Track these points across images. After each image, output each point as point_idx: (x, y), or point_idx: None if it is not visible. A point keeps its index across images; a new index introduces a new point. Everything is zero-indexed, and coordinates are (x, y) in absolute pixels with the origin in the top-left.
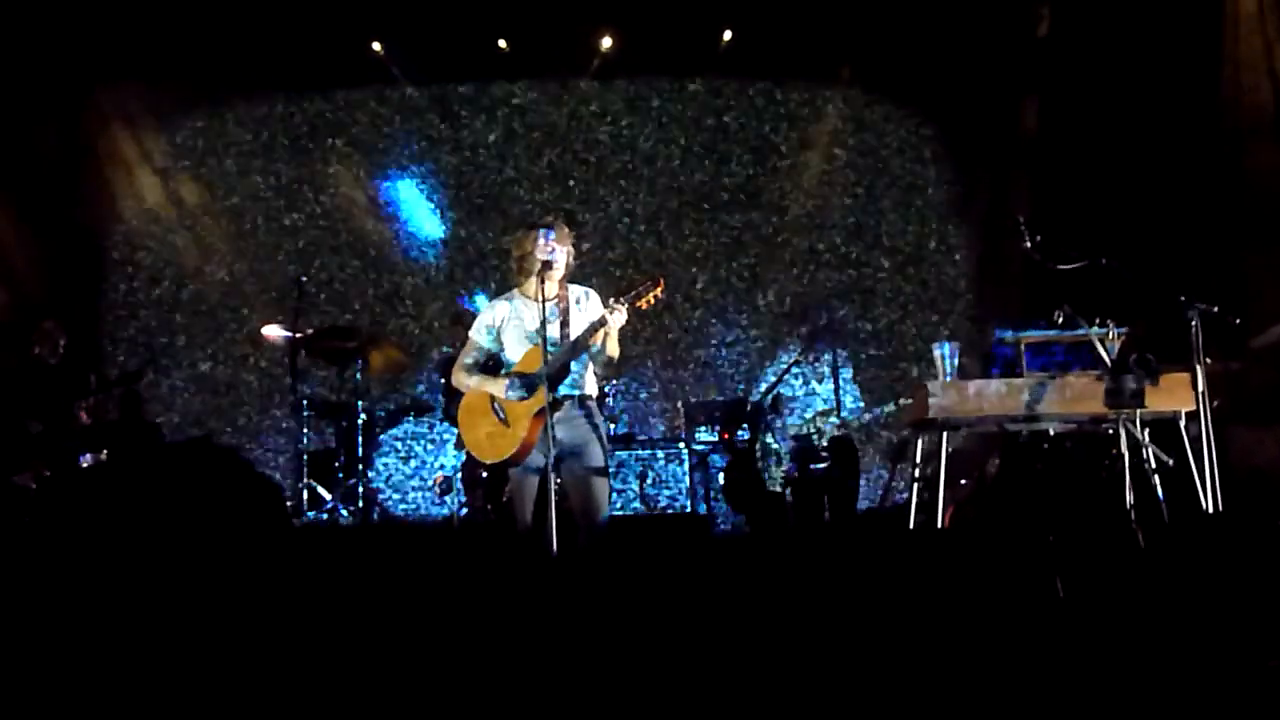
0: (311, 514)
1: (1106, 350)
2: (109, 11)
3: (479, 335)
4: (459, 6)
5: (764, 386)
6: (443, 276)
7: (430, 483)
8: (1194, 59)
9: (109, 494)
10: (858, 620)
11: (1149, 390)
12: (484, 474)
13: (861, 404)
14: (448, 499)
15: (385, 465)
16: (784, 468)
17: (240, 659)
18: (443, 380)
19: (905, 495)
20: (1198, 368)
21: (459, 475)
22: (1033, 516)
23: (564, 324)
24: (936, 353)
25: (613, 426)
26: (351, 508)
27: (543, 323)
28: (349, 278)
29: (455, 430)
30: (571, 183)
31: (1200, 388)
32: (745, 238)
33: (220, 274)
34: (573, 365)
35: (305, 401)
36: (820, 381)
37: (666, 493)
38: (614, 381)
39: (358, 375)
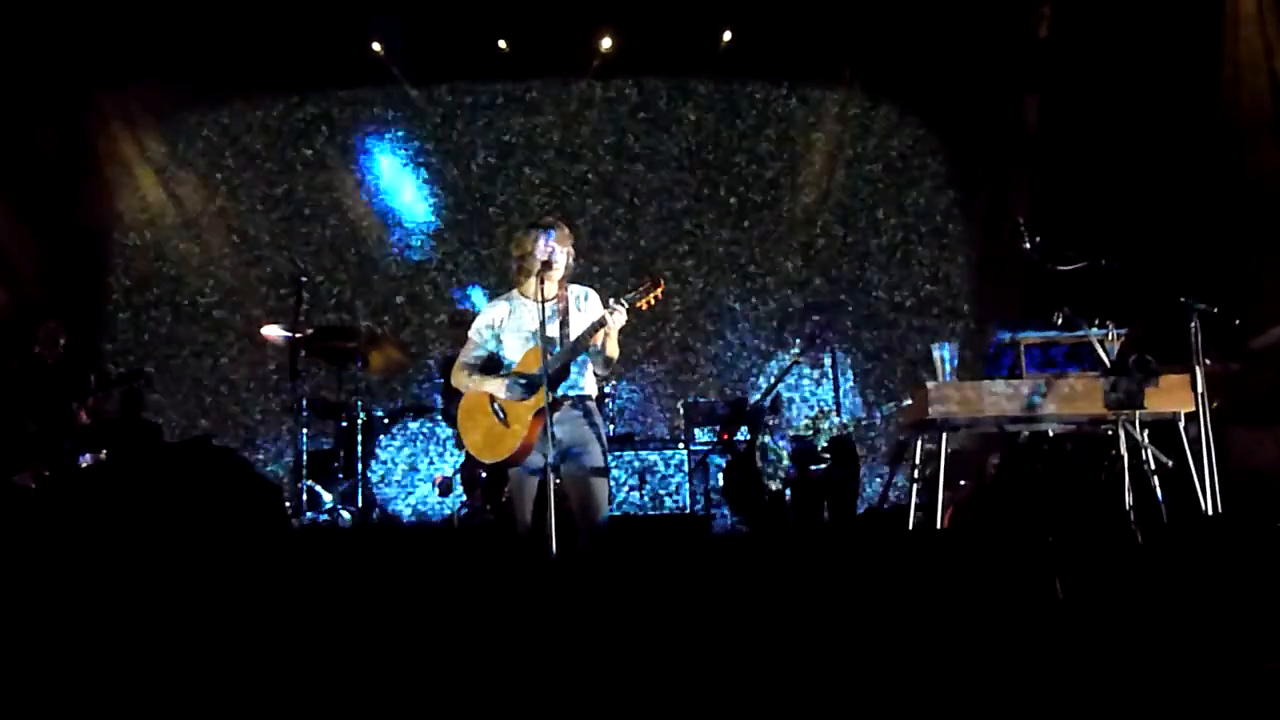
0: (311, 514)
1: (1106, 351)
2: (109, 12)
3: (478, 335)
4: (459, 7)
5: (764, 387)
6: (442, 277)
7: (430, 483)
8: (1194, 59)
9: (108, 494)
10: (857, 621)
11: (1148, 391)
12: (483, 474)
13: (861, 405)
14: (447, 499)
15: (385, 465)
16: (783, 468)
17: (240, 659)
18: (442, 380)
19: (905, 496)
20: (1197, 369)
21: (459, 475)
22: (1032, 517)
23: (564, 324)
24: (936, 353)
25: (612, 427)
26: (351, 508)
27: (542, 323)
28: (349, 278)
29: (455, 430)
30: (572, 183)
31: (1200, 389)
32: (745, 238)
33: (220, 274)
34: (573, 365)
35: (305, 401)
36: (820, 382)
37: (666, 493)
38: (614, 382)
39: (357, 375)
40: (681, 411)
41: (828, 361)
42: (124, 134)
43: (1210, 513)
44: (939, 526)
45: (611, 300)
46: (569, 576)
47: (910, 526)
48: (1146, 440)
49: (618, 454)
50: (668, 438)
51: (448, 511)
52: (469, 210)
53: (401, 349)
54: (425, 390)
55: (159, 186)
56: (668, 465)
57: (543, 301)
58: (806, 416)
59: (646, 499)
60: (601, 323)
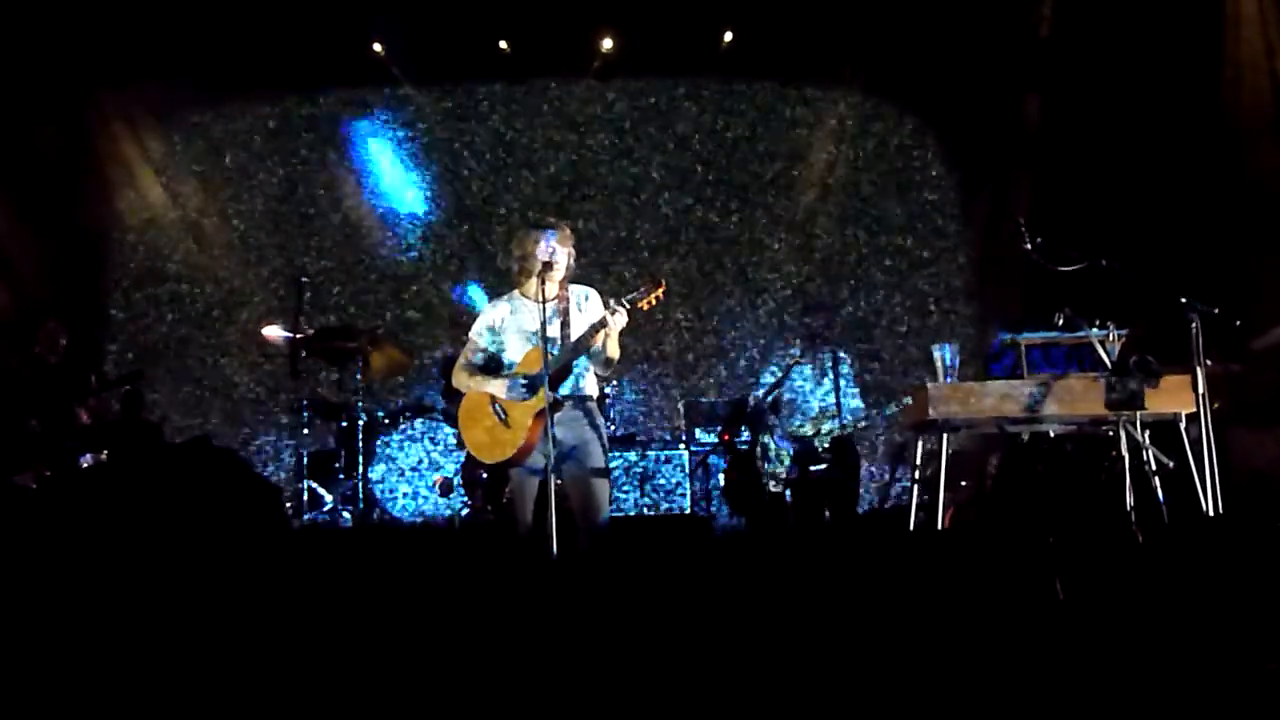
0: (312, 515)
1: (1107, 352)
2: (110, 12)
3: (479, 336)
4: (460, 7)
5: (764, 388)
6: (442, 277)
7: (431, 483)
8: (1195, 59)
9: (109, 494)
10: (858, 621)
11: (1149, 392)
12: (484, 475)
13: (862, 405)
14: (448, 500)
15: (385, 466)
16: (784, 469)
17: (241, 659)
18: (443, 381)
19: (906, 497)
20: (1198, 369)
21: (459, 476)
22: (1033, 518)
23: (564, 324)
24: (937, 354)
25: (613, 427)
26: (351, 508)
27: (543, 324)
28: (350, 278)
29: (456, 431)
30: (573, 183)
31: (1201, 389)
32: (746, 239)
33: (221, 274)
34: (574, 366)
35: (305, 402)
36: (820, 383)
37: (666, 494)
38: (614, 382)
39: (358, 375)
40: (682, 412)
41: (828, 362)
42: (124, 134)
43: (1211, 513)
44: (940, 527)
45: (612, 301)
46: (570, 577)
47: (911, 527)
48: (1147, 441)
49: (618, 455)
50: (668, 438)
51: (448, 512)
52: (470, 210)
53: (402, 349)
54: (426, 390)
55: (159, 186)
56: (668, 466)
57: (544, 302)
58: (807, 417)
59: (647, 499)
60: (602, 323)
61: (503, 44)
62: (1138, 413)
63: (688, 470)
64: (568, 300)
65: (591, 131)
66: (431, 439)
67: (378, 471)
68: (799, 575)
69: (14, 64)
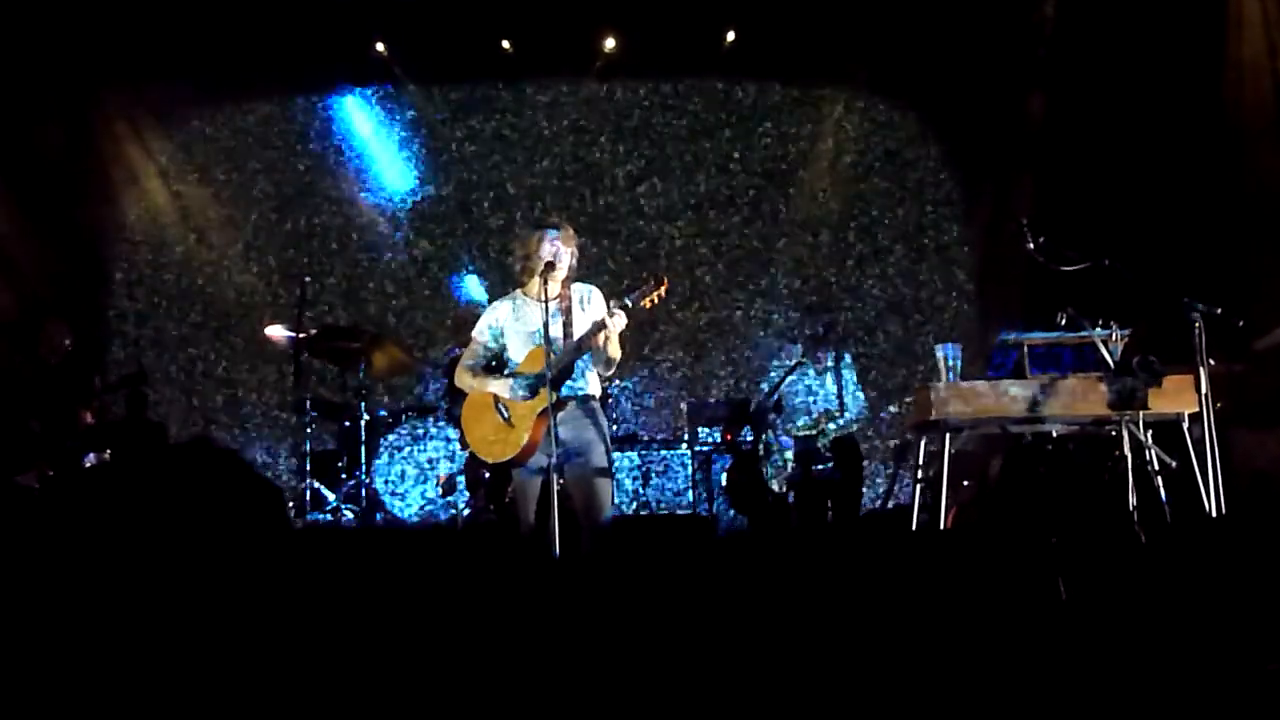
0: (314, 515)
1: (1109, 352)
2: (113, 12)
3: (482, 336)
4: (462, 7)
5: (767, 388)
6: (444, 276)
7: (434, 483)
8: (1197, 60)
9: (112, 494)
10: (861, 621)
11: (1152, 392)
12: (487, 474)
13: (865, 405)
14: (451, 499)
15: (388, 466)
16: (787, 469)
17: (242, 658)
18: (446, 381)
19: (908, 497)
20: (1201, 369)
21: (462, 475)
22: (1035, 518)
23: (567, 324)
24: (939, 354)
25: (615, 427)
26: (354, 508)
27: (545, 323)
28: (352, 278)
29: (459, 431)
30: (574, 183)
31: (1203, 390)
32: (748, 239)
33: (224, 274)
34: (576, 365)
35: (308, 402)
36: (823, 383)
37: (669, 494)
38: (617, 382)
39: (361, 376)
40: (685, 412)
41: (831, 362)
42: (127, 134)
43: (1214, 514)
44: (942, 527)
45: (611, 303)
46: (572, 577)
47: (914, 527)
48: (1150, 441)
49: (621, 454)
50: (671, 438)
51: (451, 512)
52: (471, 210)
53: (405, 349)
54: (429, 391)
55: (163, 186)
56: (671, 466)
57: (546, 301)
58: (810, 417)
59: (649, 499)
60: (601, 325)
61: (505, 44)
62: (1140, 413)
63: (690, 470)
64: (570, 299)
65: (593, 132)
66: (434, 439)
67: (380, 471)
68: (801, 575)
69: (16, 64)
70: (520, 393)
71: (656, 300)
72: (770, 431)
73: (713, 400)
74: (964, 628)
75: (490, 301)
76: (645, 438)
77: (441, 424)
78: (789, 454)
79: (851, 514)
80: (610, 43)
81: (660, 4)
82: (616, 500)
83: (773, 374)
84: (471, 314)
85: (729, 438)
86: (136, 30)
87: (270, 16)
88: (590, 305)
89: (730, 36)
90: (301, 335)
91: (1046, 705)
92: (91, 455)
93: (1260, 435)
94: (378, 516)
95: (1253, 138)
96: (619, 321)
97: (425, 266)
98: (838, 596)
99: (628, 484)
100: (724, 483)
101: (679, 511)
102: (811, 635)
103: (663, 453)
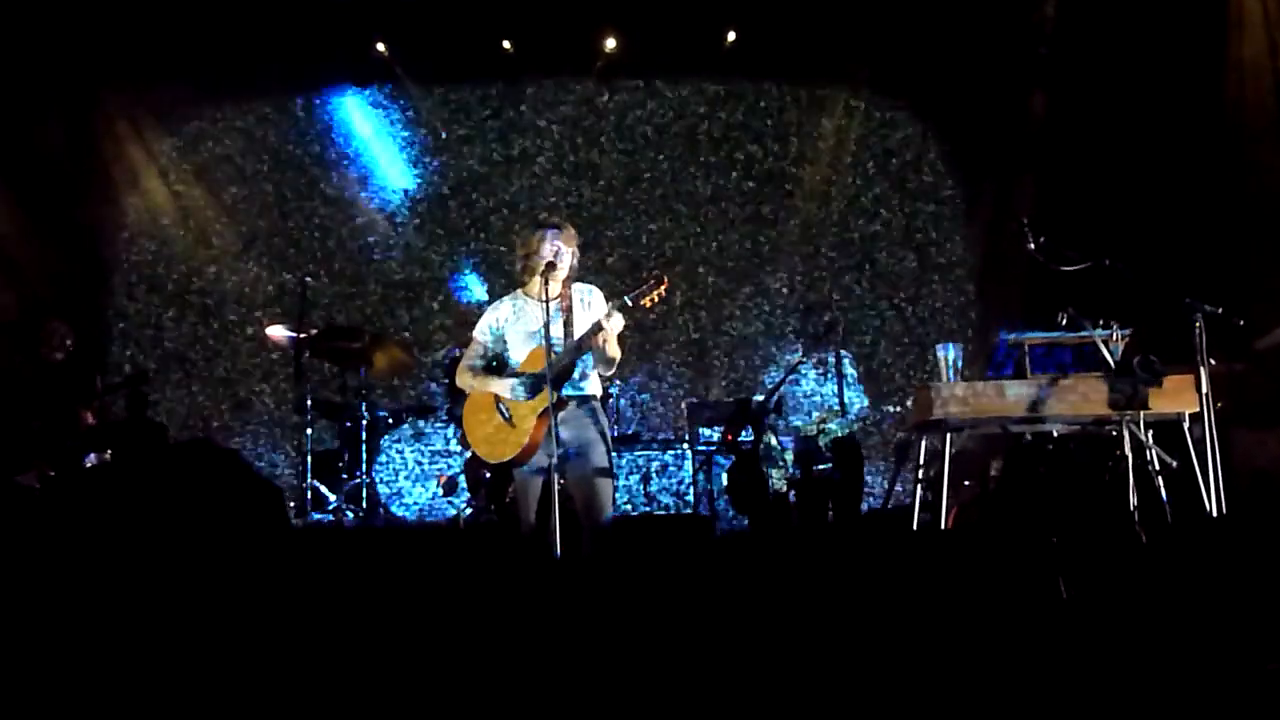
0: (316, 515)
1: (1110, 352)
2: (114, 12)
3: (483, 335)
4: (463, 8)
5: (768, 387)
6: (445, 276)
7: (435, 483)
8: (1198, 60)
9: (113, 494)
10: (862, 621)
11: (1152, 392)
12: (487, 474)
13: (865, 405)
14: (452, 499)
15: (389, 466)
16: (787, 468)
17: (243, 657)
18: (447, 381)
19: (909, 497)
20: (1201, 369)
21: (463, 475)
22: (1036, 518)
23: (567, 324)
24: (940, 354)
25: (616, 427)
26: (355, 508)
27: (546, 323)
28: (353, 278)
29: (460, 431)
30: (576, 183)
31: (1204, 389)
32: (748, 239)
33: (225, 274)
34: (577, 365)
35: (309, 402)
36: (824, 383)
37: (670, 494)
38: (618, 382)
39: (362, 376)
40: (686, 411)
41: (832, 362)
42: (128, 134)
43: (1214, 513)
44: (943, 527)
45: (609, 304)
46: (573, 577)
47: (914, 527)
48: (1151, 441)
49: (622, 453)
50: (672, 438)
51: (452, 512)
52: (473, 210)
53: (405, 349)
54: (430, 390)
55: (163, 186)
56: (672, 465)
57: (547, 301)
58: (810, 417)
59: (650, 499)
60: (598, 327)
61: (506, 44)
62: (1141, 412)
63: (691, 470)
64: (570, 299)
65: (595, 131)
66: (435, 438)
67: (381, 471)
68: (802, 575)
69: (17, 64)
70: (521, 393)
71: (657, 299)
72: (771, 431)
73: (713, 400)
74: (965, 627)
75: (491, 300)
76: (646, 437)
77: (443, 424)
78: (790, 454)
79: (852, 514)
80: (611, 43)
81: (661, 4)
82: (617, 500)
83: (774, 374)
84: (472, 314)
85: (730, 437)
86: (137, 30)
87: (271, 17)
88: (591, 305)
89: (731, 37)
90: (302, 335)
91: (1048, 704)
92: (92, 455)
93: (1261, 435)
94: (379, 516)
95: (1253, 137)
96: (617, 323)
97: (426, 266)
98: (839, 596)
99: (628, 484)
100: (725, 483)
101: (679, 512)
102: (813, 635)
103: (663, 453)
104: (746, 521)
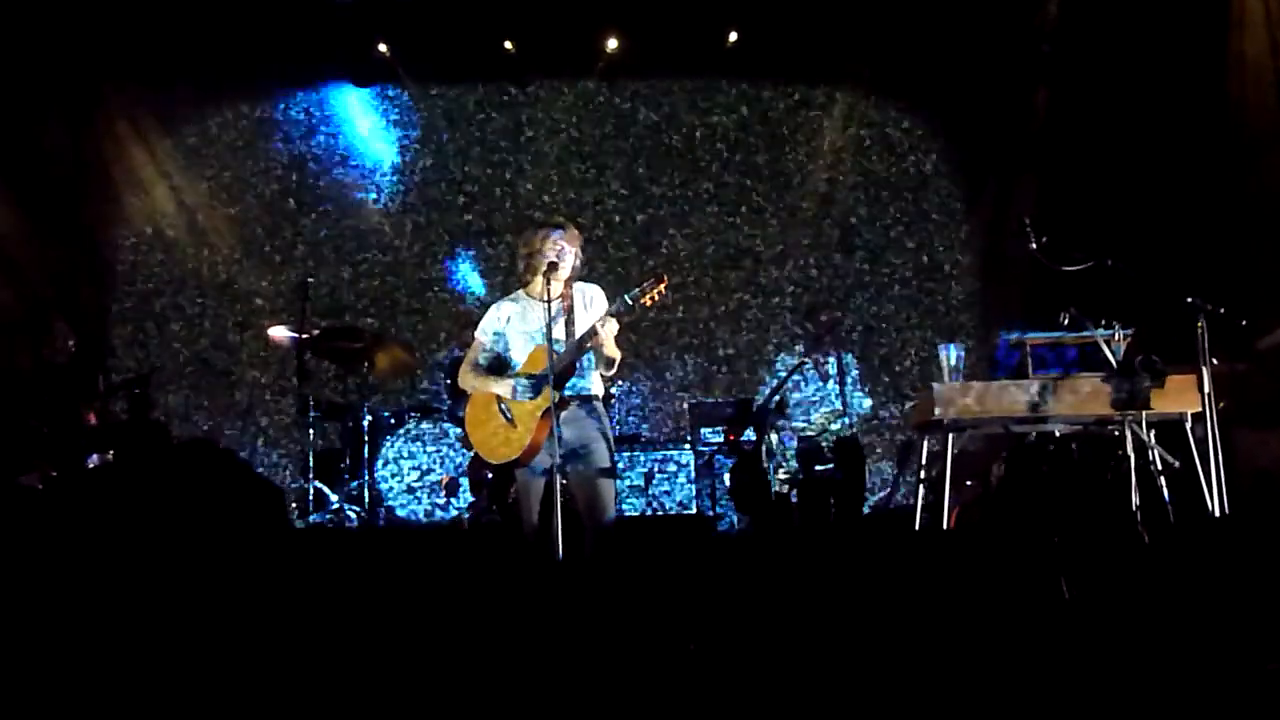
0: (317, 515)
1: (1112, 351)
2: (116, 13)
3: (485, 336)
4: (464, 8)
5: (770, 388)
6: (447, 274)
7: (437, 484)
8: (1200, 59)
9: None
10: (864, 621)
11: (1155, 392)
12: (489, 475)
13: (867, 405)
14: (454, 500)
15: (391, 466)
16: (789, 469)
17: (244, 659)
18: (449, 381)
19: (911, 497)
20: (1204, 369)
21: (465, 476)
22: (1038, 518)
23: (569, 323)
24: (942, 354)
25: (618, 427)
26: (357, 509)
27: (548, 323)
28: (355, 278)
29: (462, 431)
30: (576, 183)
31: (1206, 389)
32: (750, 238)
33: (227, 274)
34: (579, 365)
35: (311, 402)
36: (826, 383)
37: (672, 494)
38: (620, 382)
39: (364, 376)
40: (687, 412)
41: (834, 362)
42: (129, 134)
43: (1216, 513)
44: (945, 527)
45: (605, 310)
46: (575, 577)
47: (916, 527)
48: (1153, 441)
49: (624, 454)
50: (674, 438)
51: (454, 512)
52: (474, 210)
53: (407, 350)
54: (432, 391)
55: (165, 186)
56: (674, 466)
57: (548, 301)
58: (812, 417)
59: (652, 499)
60: (593, 332)
61: (507, 44)
62: (1143, 412)
63: (693, 470)
64: (572, 299)
65: (596, 131)
66: (437, 439)
67: (383, 472)
68: (804, 575)
69: (19, 64)
70: (523, 393)
71: (657, 297)
72: (773, 431)
73: (715, 400)
74: (967, 627)
75: (487, 290)
76: (648, 438)
77: (444, 424)
78: (791, 454)
79: (854, 514)
80: (613, 43)
81: (663, 5)
82: (619, 500)
83: (775, 374)
84: (473, 314)
85: (731, 438)
86: (139, 31)
87: (272, 17)
88: (593, 304)
89: (733, 37)
90: (304, 336)
91: (1050, 703)
92: (95, 456)
93: (1263, 435)
94: (380, 517)
95: (1255, 136)
96: (611, 328)
97: (427, 266)
98: (841, 596)
99: (630, 484)
100: (727, 483)
101: (682, 512)
102: (815, 634)
103: (665, 453)
104: (749, 522)
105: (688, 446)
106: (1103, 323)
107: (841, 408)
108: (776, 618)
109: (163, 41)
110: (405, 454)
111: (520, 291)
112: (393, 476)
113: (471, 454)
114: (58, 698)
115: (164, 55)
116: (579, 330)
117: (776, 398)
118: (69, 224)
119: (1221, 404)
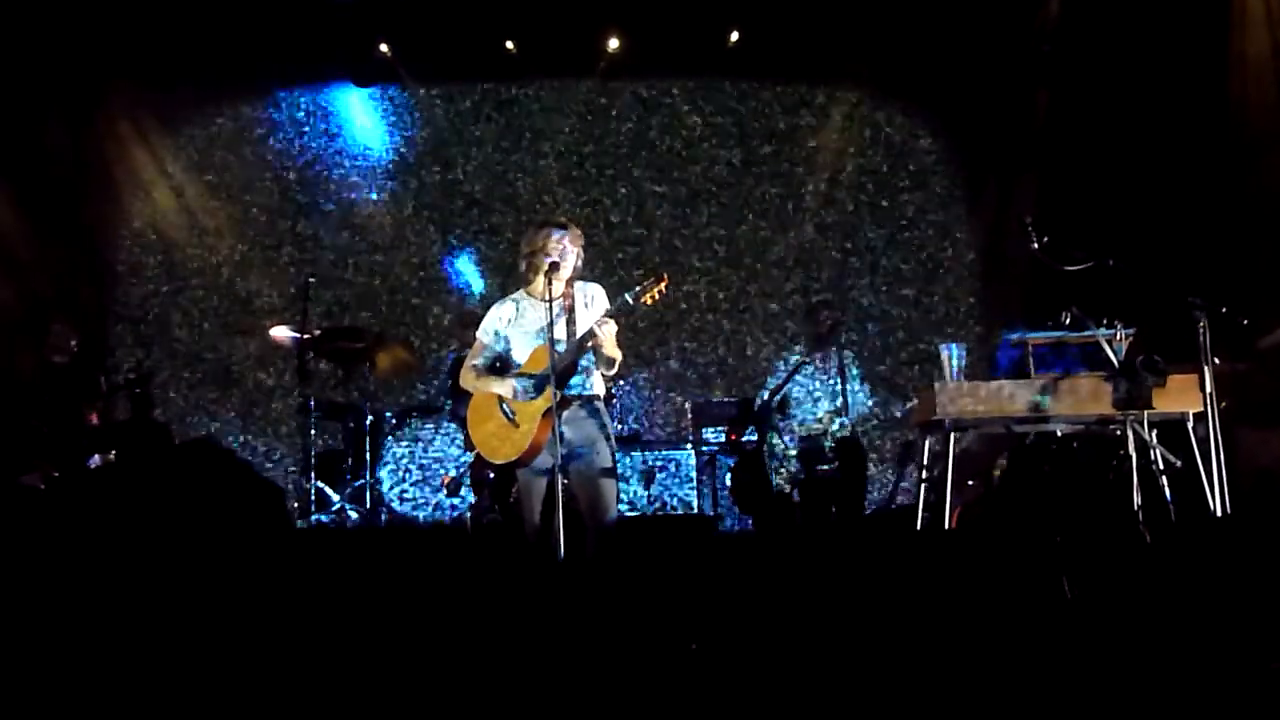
0: (319, 515)
1: (1114, 351)
2: (117, 13)
3: (486, 336)
4: (466, 8)
5: (771, 387)
6: (448, 274)
7: (438, 484)
8: (1201, 59)
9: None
10: (866, 620)
11: (1156, 391)
12: (491, 475)
13: (869, 405)
14: (455, 500)
15: (393, 466)
16: (791, 468)
17: (245, 658)
18: (450, 381)
19: (912, 496)
20: (1205, 368)
21: (467, 476)
22: (1040, 517)
23: (570, 323)
24: (944, 354)
25: (619, 427)
26: (359, 509)
27: (549, 323)
28: (356, 279)
29: (464, 431)
30: (578, 183)
31: (1208, 389)
32: (751, 238)
33: (228, 274)
34: (580, 365)
35: (313, 402)
36: (827, 383)
37: (673, 494)
38: (621, 382)
39: (365, 376)
40: (689, 411)
41: (835, 362)
42: (132, 134)
43: (1218, 513)
44: (946, 527)
45: (603, 312)
46: (577, 577)
47: (918, 527)
48: (1155, 440)
49: (625, 454)
50: (675, 438)
51: (456, 512)
52: (475, 210)
53: (409, 350)
54: (433, 391)
55: (167, 186)
56: (675, 465)
57: (549, 301)
58: (814, 417)
59: (654, 499)
60: (591, 334)
61: (509, 44)
62: (1145, 412)
63: (695, 470)
64: (573, 298)
65: (598, 131)
66: (439, 439)
67: (385, 472)
68: (806, 574)
69: (21, 64)
70: (524, 393)
71: (657, 296)
72: (774, 431)
73: (716, 400)
74: (969, 626)
75: (487, 289)
76: (649, 437)
77: (446, 425)
78: (793, 453)
79: (856, 513)
80: (614, 43)
81: (663, 4)
82: (621, 500)
83: (777, 374)
84: (475, 314)
85: (733, 437)
86: (140, 30)
87: (273, 17)
88: (593, 304)
89: (734, 37)
90: (306, 336)
91: (1052, 702)
92: (96, 456)
93: (1264, 434)
94: (382, 517)
95: (1257, 136)
96: (609, 329)
97: (428, 266)
98: (842, 595)
99: (631, 484)
100: (728, 482)
101: (683, 511)
102: (817, 633)
103: (667, 453)
104: (750, 521)
105: (689, 446)
106: (1104, 322)
107: (843, 408)
108: (778, 618)
109: (164, 41)
110: (407, 454)
111: (521, 291)
112: (394, 477)
113: (473, 454)
114: (59, 697)
115: (165, 55)
116: (580, 329)
117: (778, 397)
118: (69, 224)
119: (1223, 403)
